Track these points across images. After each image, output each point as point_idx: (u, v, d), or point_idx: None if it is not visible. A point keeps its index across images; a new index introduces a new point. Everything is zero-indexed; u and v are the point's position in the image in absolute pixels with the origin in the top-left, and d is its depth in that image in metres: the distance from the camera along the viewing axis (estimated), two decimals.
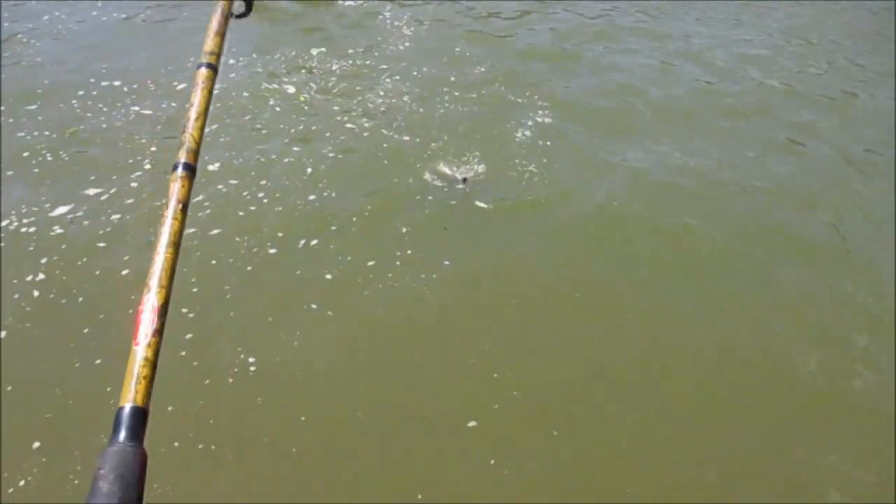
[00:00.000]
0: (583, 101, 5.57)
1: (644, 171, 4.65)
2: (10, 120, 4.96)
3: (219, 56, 1.15)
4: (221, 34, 1.21)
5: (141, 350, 0.81)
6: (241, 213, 4.02)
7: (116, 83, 5.54)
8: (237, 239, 3.76)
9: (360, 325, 3.27)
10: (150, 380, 0.80)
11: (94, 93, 5.37)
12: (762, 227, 4.12)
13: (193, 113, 1.05)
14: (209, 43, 1.17)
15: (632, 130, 5.19)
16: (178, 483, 2.47)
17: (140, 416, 0.79)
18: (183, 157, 1.01)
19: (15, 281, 3.44)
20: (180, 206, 0.94)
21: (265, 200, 4.15)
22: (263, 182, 4.32)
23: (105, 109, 5.12)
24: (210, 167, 4.34)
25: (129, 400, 0.79)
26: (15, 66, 5.83)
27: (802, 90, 5.99)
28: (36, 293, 3.37)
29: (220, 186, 4.22)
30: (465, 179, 4.35)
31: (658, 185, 4.51)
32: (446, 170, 4.48)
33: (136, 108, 5.15)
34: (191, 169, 1.00)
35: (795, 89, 5.99)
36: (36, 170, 4.39)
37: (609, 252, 3.86)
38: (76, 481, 2.50)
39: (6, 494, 2.45)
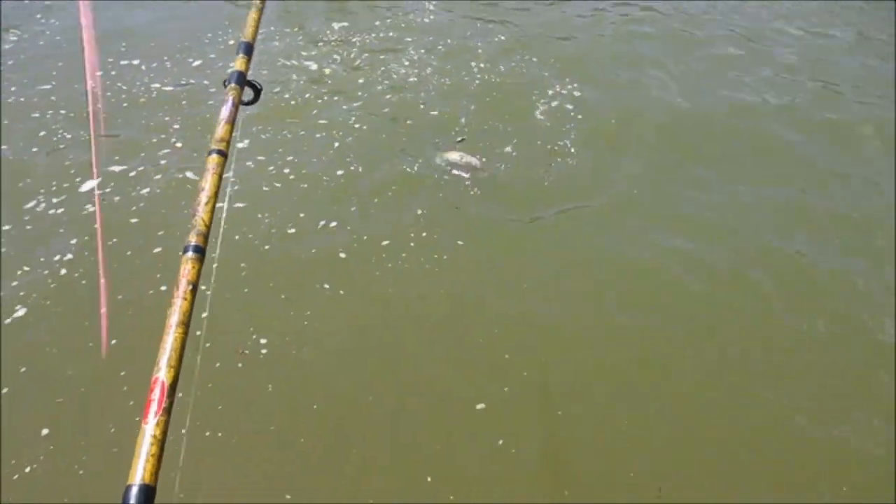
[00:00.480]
0: (605, 81, 5.39)
1: (658, 167, 4.43)
2: (22, 99, 4.95)
3: (229, 142, 1.18)
4: (232, 122, 1.24)
5: (150, 428, 0.84)
6: (265, 189, 4.00)
7: (135, 62, 5.50)
8: (258, 216, 3.75)
9: (371, 305, 3.24)
10: (159, 457, 0.84)
11: (113, 73, 5.33)
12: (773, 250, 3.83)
13: (204, 198, 1.09)
14: (219, 131, 1.21)
15: (650, 126, 4.91)
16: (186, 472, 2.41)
17: (148, 493, 0.81)
18: (193, 240, 1.04)
19: (42, 259, 3.44)
20: (190, 286, 0.99)
21: (291, 177, 4.11)
22: (290, 158, 4.28)
23: (125, 88, 5.09)
24: (239, 144, 4.30)
25: (137, 479, 0.81)
26: (30, 46, 5.80)
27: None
28: (63, 272, 3.37)
29: (248, 163, 4.19)
30: (474, 166, 4.24)
31: (679, 184, 4.28)
32: (466, 152, 4.43)
33: (157, 86, 5.12)
34: (200, 251, 1.04)
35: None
36: (60, 146, 4.37)
37: (620, 243, 3.72)
38: (80, 472, 2.47)
39: (13, 482, 2.43)
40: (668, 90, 5.32)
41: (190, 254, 1.03)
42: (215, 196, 1.11)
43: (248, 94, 1.37)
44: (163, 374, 0.89)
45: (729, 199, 4.14)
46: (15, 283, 3.31)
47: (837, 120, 5.14)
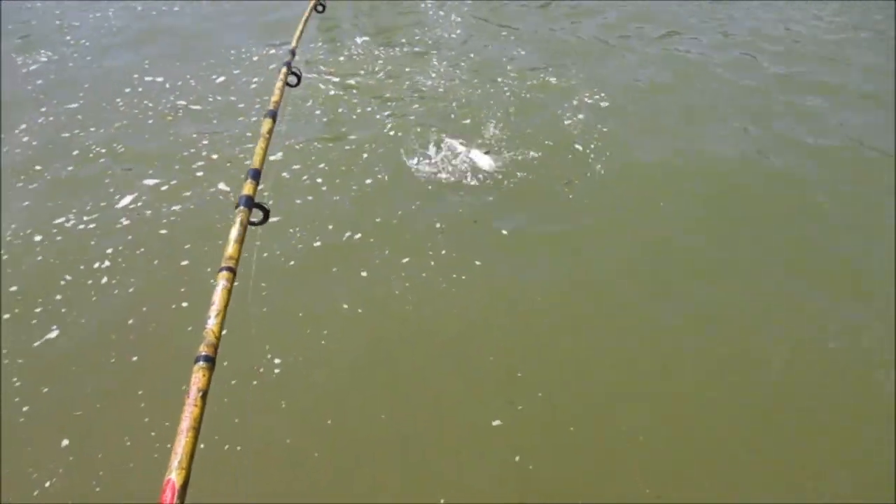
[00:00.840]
0: (632, 95, 5.34)
1: (676, 171, 4.37)
2: (51, 118, 4.99)
3: (238, 260, 1.32)
4: (241, 242, 1.37)
5: None
6: (297, 201, 3.99)
7: (159, 79, 5.57)
8: (290, 230, 3.73)
9: (387, 323, 3.18)
10: None
11: (140, 89, 5.40)
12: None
13: (214, 311, 1.21)
14: (230, 249, 1.34)
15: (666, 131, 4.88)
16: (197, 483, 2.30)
17: None
18: (204, 351, 1.13)
19: (82, 267, 3.45)
20: (200, 394, 1.07)
21: (324, 188, 4.10)
22: (322, 166, 4.29)
23: (150, 105, 5.14)
24: (272, 156, 4.32)
25: None
26: (59, 67, 5.89)
27: None
28: (104, 279, 3.37)
29: (283, 174, 4.19)
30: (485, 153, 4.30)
31: (694, 193, 4.17)
32: (489, 154, 4.39)
33: (183, 104, 5.16)
34: (211, 361, 1.13)
35: None
36: (102, 160, 4.41)
37: (629, 264, 3.59)
38: (98, 489, 2.44)
39: (32, 496, 2.41)
40: (694, 118, 5.09)
41: (201, 363, 1.11)
42: (224, 309, 1.22)
43: (257, 214, 1.51)
44: (174, 475, 0.93)
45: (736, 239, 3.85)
46: (59, 297, 3.29)
47: None
